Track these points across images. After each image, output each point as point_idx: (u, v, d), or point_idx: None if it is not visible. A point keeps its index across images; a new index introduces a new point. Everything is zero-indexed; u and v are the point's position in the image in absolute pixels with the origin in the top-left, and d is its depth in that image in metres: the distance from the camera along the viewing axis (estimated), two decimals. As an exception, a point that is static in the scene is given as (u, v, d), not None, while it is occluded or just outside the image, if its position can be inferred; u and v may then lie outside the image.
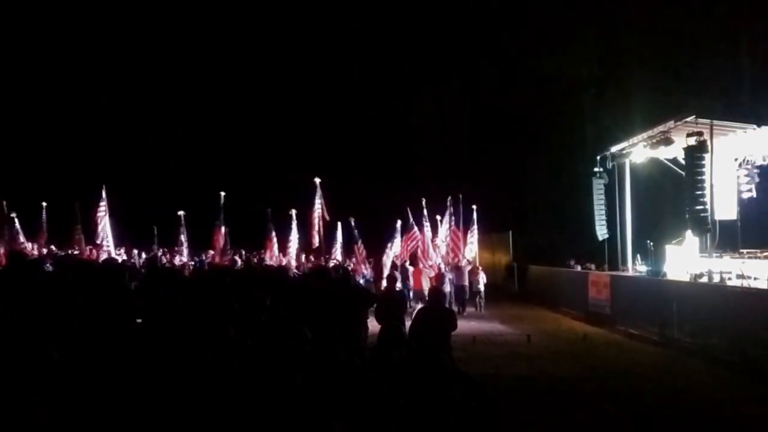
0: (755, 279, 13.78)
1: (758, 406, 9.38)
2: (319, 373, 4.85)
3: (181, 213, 21.59)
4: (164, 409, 4.60)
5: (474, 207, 22.45)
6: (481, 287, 22.11)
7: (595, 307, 19.20)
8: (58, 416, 4.06)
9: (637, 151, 18.82)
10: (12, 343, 4.75)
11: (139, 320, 7.41)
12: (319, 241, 20.83)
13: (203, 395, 4.73)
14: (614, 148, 19.73)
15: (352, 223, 21.49)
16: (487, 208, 24.22)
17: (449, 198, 21.82)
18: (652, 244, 17.95)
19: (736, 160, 18.07)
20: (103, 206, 21.06)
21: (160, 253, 21.26)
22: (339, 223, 21.46)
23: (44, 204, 22.75)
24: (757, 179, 17.56)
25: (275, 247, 21.76)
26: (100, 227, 20.92)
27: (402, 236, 21.71)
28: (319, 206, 20.57)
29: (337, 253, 20.67)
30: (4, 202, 21.94)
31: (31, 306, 7.00)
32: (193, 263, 20.28)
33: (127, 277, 10.13)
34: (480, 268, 22.54)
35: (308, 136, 36.74)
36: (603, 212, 20.25)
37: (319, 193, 20.57)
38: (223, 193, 21.05)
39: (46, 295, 7.88)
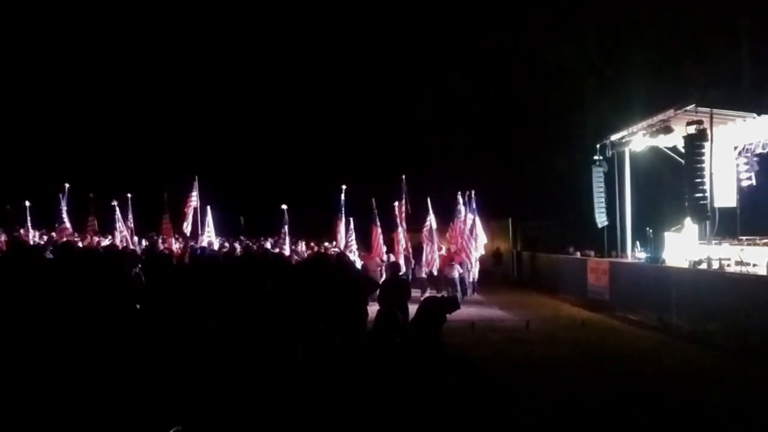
0: (754, 265, 13.79)
1: (756, 391, 9.43)
2: (314, 362, 4.87)
3: (284, 207, 21.66)
4: (163, 396, 4.62)
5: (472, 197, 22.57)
6: (476, 273, 22.67)
7: (594, 294, 19.31)
8: (49, 411, 4.08)
9: (637, 140, 18.81)
10: (11, 331, 4.76)
11: (138, 305, 7.47)
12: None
13: (200, 387, 4.75)
14: (614, 137, 19.73)
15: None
16: (488, 195, 24.25)
17: (468, 192, 21.92)
18: (651, 231, 17.98)
19: (735, 148, 18.05)
20: (194, 197, 21.23)
21: (159, 241, 21.30)
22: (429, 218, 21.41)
23: (129, 195, 22.67)
24: (756, 167, 17.56)
25: (380, 240, 20.87)
26: (188, 218, 21.12)
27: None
28: (405, 201, 20.71)
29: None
30: (91, 195, 21.94)
31: (31, 293, 7.03)
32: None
33: (127, 264, 10.18)
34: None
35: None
36: (602, 200, 20.30)
37: (404, 188, 20.69)
38: (344, 187, 20.69)
39: (46, 281, 7.91)
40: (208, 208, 21.90)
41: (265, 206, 23.17)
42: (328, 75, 37.54)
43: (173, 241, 21.20)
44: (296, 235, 23.65)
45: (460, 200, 21.78)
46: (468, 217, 21.82)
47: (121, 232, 21.26)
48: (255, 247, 20.67)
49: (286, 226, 21.03)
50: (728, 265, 14.41)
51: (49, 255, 12.58)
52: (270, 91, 37.51)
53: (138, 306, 7.36)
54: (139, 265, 11.16)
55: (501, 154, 33.64)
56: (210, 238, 21.59)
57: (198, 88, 36.61)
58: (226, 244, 21.61)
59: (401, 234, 20.69)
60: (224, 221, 24.03)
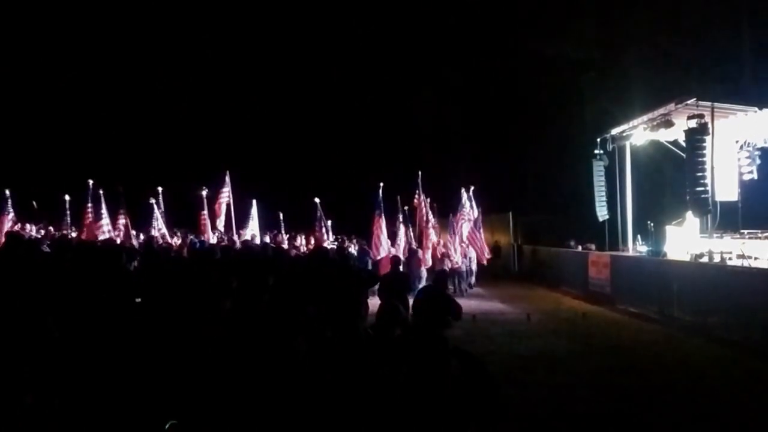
0: (756, 259, 13.79)
1: (757, 384, 9.41)
2: (316, 359, 4.82)
3: (317, 200, 21.67)
4: (163, 389, 4.57)
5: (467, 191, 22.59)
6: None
7: (595, 287, 19.30)
8: (51, 403, 4.03)
9: (638, 134, 18.75)
10: (10, 321, 4.71)
11: (138, 299, 7.42)
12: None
13: (201, 376, 4.70)
14: (614, 131, 19.69)
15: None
16: (488, 189, 24.24)
17: (469, 188, 21.92)
18: (652, 224, 17.97)
19: (737, 142, 17.99)
20: (226, 192, 21.25)
21: (157, 234, 21.20)
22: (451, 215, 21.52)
23: (160, 189, 22.41)
24: (758, 161, 17.52)
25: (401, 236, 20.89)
26: (221, 213, 21.10)
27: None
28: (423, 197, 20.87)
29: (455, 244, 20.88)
30: (121, 188, 21.83)
31: (29, 285, 6.98)
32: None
33: (125, 257, 10.12)
34: None
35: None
36: (603, 194, 20.28)
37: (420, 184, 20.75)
38: (381, 184, 20.34)
39: (43, 274, 7.87)
40: (254, 202, 21.99)
41: (304, 202, 23.14)
42: (328, 73, 37.57)
43: (211, 236, 21.06)
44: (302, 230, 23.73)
45: (464, 195, 21.77)
46: (473, 212, 21.90)
47: (159, 230, 21.11)
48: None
49: (328, 222, 20.96)
50: (730, 259, 14.40)
51: (46, 249, 12.56)
52: (298, 87, 37.58)
53: (137, 300, 7.32)
54: (137, 259, 11.09)
55: (501, 148, 33.56)
56: (253, 232, 21.70)
57: (237, 85, 36.89)
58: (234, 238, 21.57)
59: (431, 229, 20.88)
60: (264, 216, 23.96)
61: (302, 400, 4.44)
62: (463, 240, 21.52)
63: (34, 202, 23.55)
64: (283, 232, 23.47)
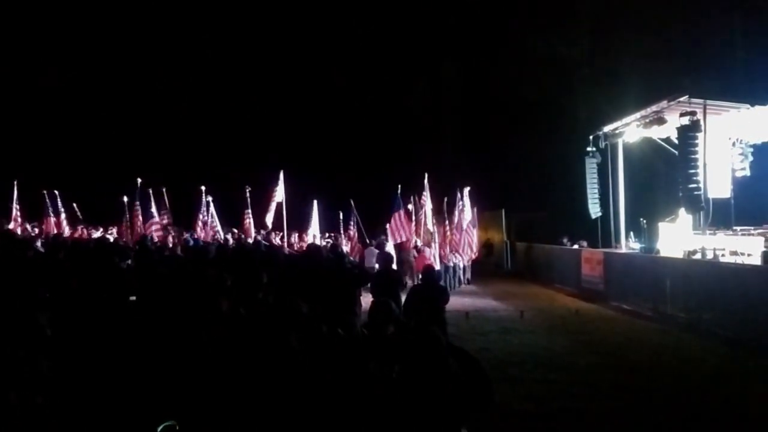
0: (748, 255, 13.84)
1: (750, 380, 9.44)
2: (311, 356, 4.81)
3: (351, 201, 21.71)
4: (160, 388, 4.57)
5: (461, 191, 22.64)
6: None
7: (589, 284, 19.35)
8: (34, 401, 4.02)
9: (630, 131, 18.78)
10: (8, 324, 4.70)
11: (133, 298, 7.41)
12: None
13: (198, 372, 4.70)
14: (607, 128, 19.70)
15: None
16: (481, 187, 24.24)
17: (463, 188, 21.94)
18: (645, 221, 18.03)
19: (729, 139, 18.03)
20: (277, 190, 20.88)
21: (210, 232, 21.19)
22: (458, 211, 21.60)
23: (203, 188, 21.97)
24: (750, 158, 17.59)
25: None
26: (271, 211, 20.93)
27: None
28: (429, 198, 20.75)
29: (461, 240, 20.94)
30: (164, 189, 21.66)
31: (22, 282, 6.96)
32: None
33: (118, 257, 10.10)
34: None
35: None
36: (596, 191, 20.32)
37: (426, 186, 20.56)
38: (399, 186, 20.37)
39: (37, 272, 7.85)
40: (315, 203, 22.03)
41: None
42: (329, 76, 37.54)
43: (253, 235, 20.84)
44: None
45: (458, 194, 21.79)
46: (469, 211, 21.97)
47: (213, 227, 20.93)
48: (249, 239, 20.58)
49: (352, 222, 20.97)
50: (722, 255, 14.45)
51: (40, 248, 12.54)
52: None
53: (132, 298, 7.31)
54: (129, 260, 11.07)
55: (494, 146, 33.59)
56: (315, 233, 21.84)
57: (290, 83, 36.91)
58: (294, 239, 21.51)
59: (447, 226, 21.15)
60: (323, 217, 23.93)
61: (299, 399, 4.43)
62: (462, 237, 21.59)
63: (75, 205, 23.53)
64: (342, 232, 23.34)
